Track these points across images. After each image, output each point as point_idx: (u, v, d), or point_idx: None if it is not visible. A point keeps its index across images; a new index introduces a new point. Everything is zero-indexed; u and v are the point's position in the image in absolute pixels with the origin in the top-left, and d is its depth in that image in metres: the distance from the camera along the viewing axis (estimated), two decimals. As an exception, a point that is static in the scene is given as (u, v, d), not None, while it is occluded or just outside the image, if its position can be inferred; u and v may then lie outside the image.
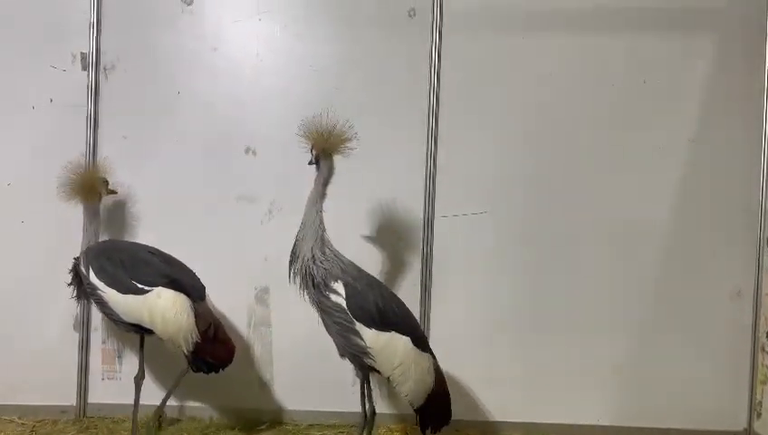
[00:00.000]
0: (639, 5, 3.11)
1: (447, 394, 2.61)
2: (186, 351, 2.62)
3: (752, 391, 3.12)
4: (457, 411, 3.18)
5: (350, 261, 2.51)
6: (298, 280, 2.44)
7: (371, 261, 3.09)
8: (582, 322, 3.14)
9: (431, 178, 3.13)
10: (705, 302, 3.13)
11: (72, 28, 3.10)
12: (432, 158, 3.12)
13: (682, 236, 3.13)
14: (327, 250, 2.44)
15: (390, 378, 2.48)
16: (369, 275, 2.55)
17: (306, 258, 2.41)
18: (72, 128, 3.09)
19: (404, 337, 2.45)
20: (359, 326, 2.40)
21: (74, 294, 2.80)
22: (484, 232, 3.13)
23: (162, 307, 2.61)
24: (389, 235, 3.14)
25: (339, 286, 2.41)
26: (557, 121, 3.13)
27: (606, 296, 3.13)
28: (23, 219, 3.11)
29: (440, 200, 3.13)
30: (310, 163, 2.53)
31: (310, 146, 2.50)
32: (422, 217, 3.13)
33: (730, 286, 3.13)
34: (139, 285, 2.63)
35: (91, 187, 2.81)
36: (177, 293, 2.64)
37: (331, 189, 3.08)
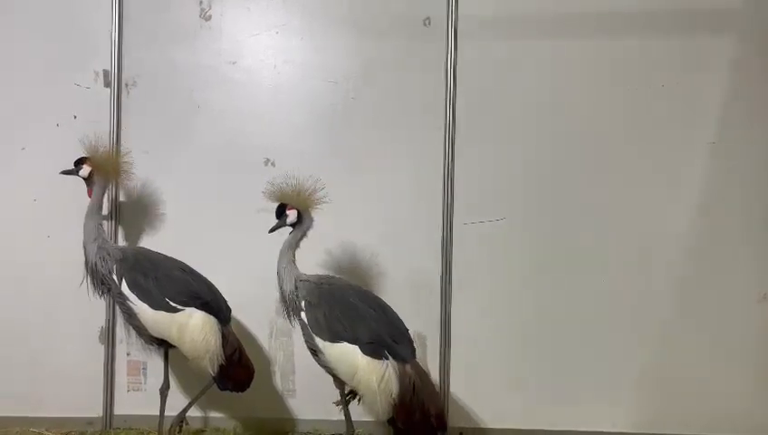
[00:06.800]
0: (655, 8, 3.10)
1: (425, 405, 2.41)
2: (211, 372, 2.68)
3: (780, 396, 3.07)
4: (479, 419, 3.17)
5: (323, 277, 2.64)
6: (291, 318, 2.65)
7: (389, 271, 3.11)
8: (605, 327, 3.11)
9: (449, 186, 3.13)
10: (730, 306, 3.08)
11: (94, 46, 3.17)
12: (449, 165, 3.13)
13: (705, 241, 3.09)
14: (299, 284, 2.59)
15: (355, 389, 2.49)
16: (337, 286, 2.60)
17: (288, 300, 2.61)
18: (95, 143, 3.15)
19: (353, 346, 2.45)
20: (317, 340, 2.50)
21: (89, 286, 2.79)
22: (502, 239, 3.13)
23: (192, 328, 2.66)
24: (408, 244, 3.14)
25: (302, 304, 2.56)
26: (574, 127, 3.12)
27: (628, 302, 3.11)
28: (48, 234, 3.16)
29: (458, 208, 3.14)
30: (279, 223, 2.65)
31: (283, 206, 2.64)
32: (440, 225, 3.13)
33: (755, 290, 3.09)
34: (172, 304, 2.67)
35: (114, 168, 2.86)
36: (208, 315, 2.70)
37: (349, 199, 3.14)
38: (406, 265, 3.14)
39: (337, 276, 2.67)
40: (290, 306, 2.62)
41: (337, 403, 2.67)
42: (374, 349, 2.44)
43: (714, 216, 3.09)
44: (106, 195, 2.91)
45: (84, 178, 2.83)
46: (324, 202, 2.64)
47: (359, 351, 2.44)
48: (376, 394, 2.41)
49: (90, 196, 2.82)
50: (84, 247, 2.78)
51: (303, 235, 2.65)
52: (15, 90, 3.17)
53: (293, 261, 2.64)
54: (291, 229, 2.66)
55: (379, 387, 2.41)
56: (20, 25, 3.16)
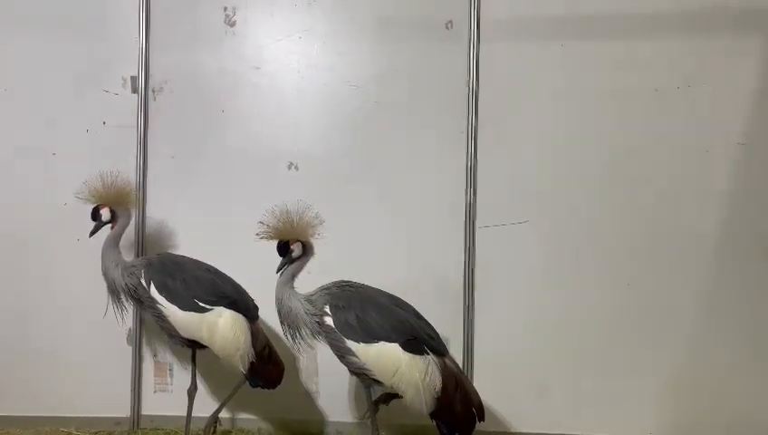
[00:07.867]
0: (682, 9, 3.06)
1: (467, 396, 2.49)
2: (242, 369, 2.72)
3: (813, 402, 3.00)
4: (503, 423, 3.15)
5: (340, 283, 2.59)
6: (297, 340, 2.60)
7: (412, 273, 3.11)
8: (630, 330, 3.07)
9: (472, 189, 3.13)
10: (761, 308, 3.03)
11: (122, 54, 3.23)
12: (472, 168, 3.12)
13: (733, 242, 3.04)
14: (309, 306, 2.55)
15: (394, 388, 2.49)
16: (361, 289, 2.58)
17: (303, 328, 2.56)
18: (123, 148, 3.21)
19: (392, 344, 2.46)
20: (349, 343, 2.49)
21: (115, 311, 2.83)
22: (525, 241, 3.11)
23: (222, 327, 2.70)
24: (431, 246, 3.14)
25: (327, 308, 2.53)
26: (599, 129, 3.09)
27: (654, 304, 3.07)
28: (78, 238, 3.22)
29: (481, 211, 3.13)
30: (285, 261, 2.57)
31: (286, 243, 2.57)
32: (463, 227, 3.13)
33: (787, 292, 3.03)
34: (200, 304, 2.71)
35: (127, 196, 2.87)
36: (237, 314, 2.74)
37: (371, 202, 3.15)
38: (428, 267, 3.14)
39: (352, 280, 2.64)
40: (304, 326, 2.56)
41: (365, 415, 2.66)
42: (415, 345, 2.48)
43: (742, 217, 3.04)
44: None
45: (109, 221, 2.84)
46: (322, 225, 2.58)
47: (399, 348, 2.46)
48: (420, 390, 2.44)
49: (112, 229, 2.84)
50: (105, 275, 2.79)
51: (303, 267, 2.62)
52: (46, 96, 3.24)
53: (293, 287, 2.59)
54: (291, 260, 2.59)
55: (423, 382, 2.44)
56: (50, 34, 3.23)
